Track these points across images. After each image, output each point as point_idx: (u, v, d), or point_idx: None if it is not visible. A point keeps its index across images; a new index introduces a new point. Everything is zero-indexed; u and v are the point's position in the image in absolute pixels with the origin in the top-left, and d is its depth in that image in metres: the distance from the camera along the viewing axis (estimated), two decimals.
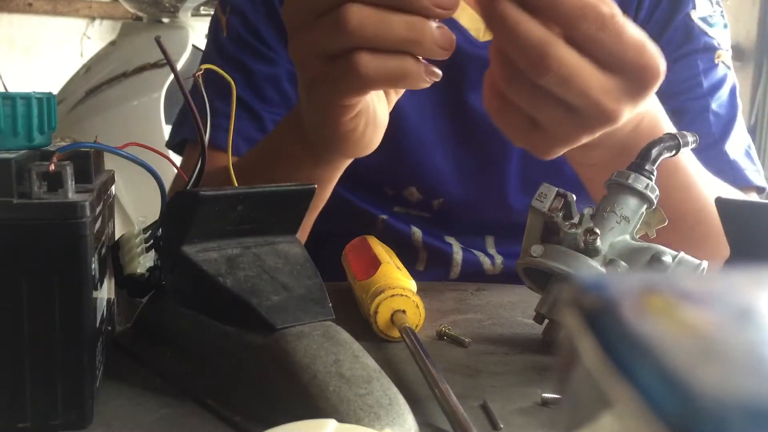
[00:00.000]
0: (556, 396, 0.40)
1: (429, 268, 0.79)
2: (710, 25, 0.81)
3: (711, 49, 0.80)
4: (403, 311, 0.49)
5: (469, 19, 0.79)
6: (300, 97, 0.55)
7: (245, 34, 0.80)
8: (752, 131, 3.16)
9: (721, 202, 0.48)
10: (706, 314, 0.13)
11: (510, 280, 0.79)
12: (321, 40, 0.46)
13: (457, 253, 0.79)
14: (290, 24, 0.48)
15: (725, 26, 0.84)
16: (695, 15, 0.80)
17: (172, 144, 0.82)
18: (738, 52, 3.18)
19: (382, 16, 0.43)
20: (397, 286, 0.49)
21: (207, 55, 0.84)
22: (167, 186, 0.46)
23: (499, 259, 0.80)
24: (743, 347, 0.12)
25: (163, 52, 0.42)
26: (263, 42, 0.79)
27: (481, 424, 0.38)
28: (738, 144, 0.80)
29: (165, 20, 2.25)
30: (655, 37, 0.80)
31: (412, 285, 0.51)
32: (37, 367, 0.35)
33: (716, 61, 0.81)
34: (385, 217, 0.79)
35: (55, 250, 0.34)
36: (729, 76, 0.81)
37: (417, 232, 0.79)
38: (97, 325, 0.38)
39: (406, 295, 0.49)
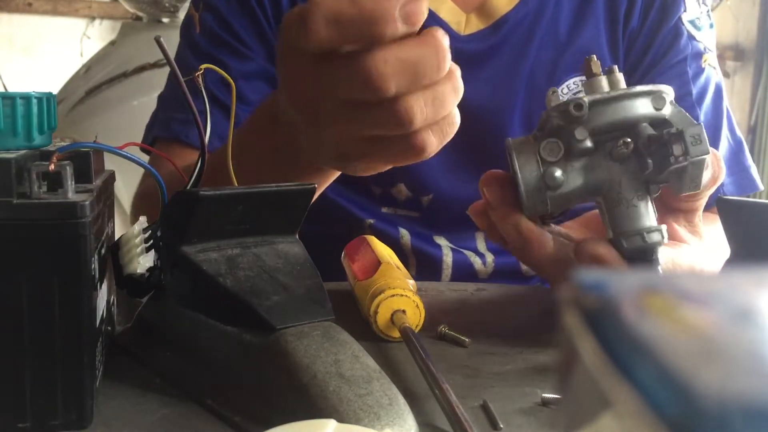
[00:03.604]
0: (556, 396, 0.40)
1: (419, 273, 0.78)
2: (698, 28, 0.81)
3: (698, 55, 0.81)
4: (403, 311, 0.49)
5: (450, 12, 0.78)
6: (304, 135, 0.50)
7: (219, 31, 0.78)
8: (752, 131, 3.16)
9: (721, 202, 0.48)
10: (706, 314, 0.13)
11: (502, 280, 0.78)
12: (371, 128, 0.44)
13: (447, 255, 0.78)
14: (323, 107, 0.44)
15: (711, 26, 0.84)
16: (685, 18, 0.80)
17: (149, 144, 0.78)
18: (738, 52, 3.19)
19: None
20: (397, 286, 0.49)
21: (180, 54, 0.81)
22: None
23: (489, 257, 0.79)
24: (743, 347, 0.12)
25: (163, 52, 0.42)
26: (238, 38, 0.78)
27: (481, 424, 0.38)
28: (722, 152, 0.80)
29: (165, 20, 2.25)
30: (648, 43, 0.80)
31: (412, 285, 0.51)
32: (37, 367, 0.35)
33: (703, 66, 0.81)
34: (372, 221, 0.78)
35: (55, 250, 0.34)
36: (713, 78, 0.82)
37: (405, 234, 0.78)
38: (97, 325, 0.38)
39: (406, 295, 0.49)
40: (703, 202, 0.55)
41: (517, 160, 0.47)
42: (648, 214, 0.47)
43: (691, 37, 0.80)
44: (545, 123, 0.48)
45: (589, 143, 0.46)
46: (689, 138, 0.44)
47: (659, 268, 0.47)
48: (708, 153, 0.45)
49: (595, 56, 0.49)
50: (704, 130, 0.45)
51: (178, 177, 0.45)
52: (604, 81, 0.48)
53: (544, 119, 0.48)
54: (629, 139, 0.46)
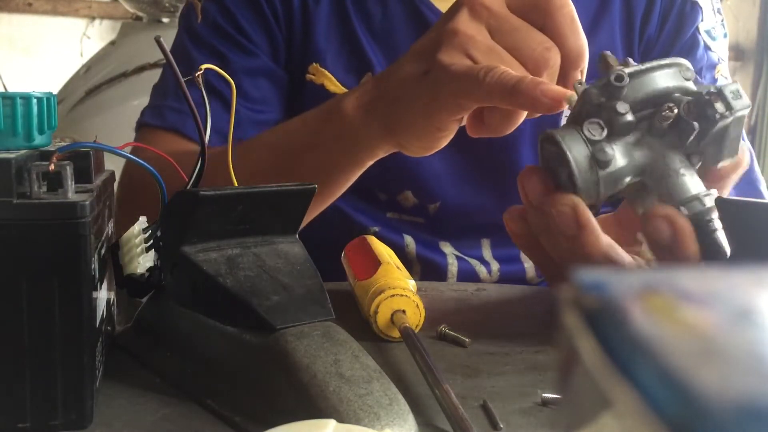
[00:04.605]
0: (556, 396, 0.40)
1: (423, 281, 0.78)
2: (713, 38, 0.80)
3: (712, 66, 0.80)
4: (403, 311, 0.49)
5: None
6: (391, 84, 0.57)
7: (223, 23, 0.76)
8: (752, 131, 3.16)
9: (721, 202, 0.48)
10: (706, 314, 0.13)
11: None
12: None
13: (452, 264, 0.78)
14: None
15: (725, 35, 0.83)
16: (702, 27, 0.79)
17: (136, 131, 0.77)
18: (738, 52, 3.19)
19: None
20: (397, 286, 0.49)
21: (178, 45, 0.79)
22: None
23: (495, 266, 0.79)
24: (743, 347, 0.12)
25: (163, 52, 0.42)
26: (242, 32, 0.76)
27: (481, 424, 0.38)
28: None
29: (165, 20, 2.25)
30: (665, 52, 0.80)
31: (412, 285, 0.51)
32: (37, 367, 0.35)
33: (716, 76, 0.80)
34: (377, 229, 0.78)
35: (55, 250, 0.34)
36: (744, 99, 0.81)
37: (411, 243, 0.77)
38: (97, 325, 0.38)
39: (406, 295, 0.49)
40: (725, 192, 0.54)
41: (564, 142, 0.46)
42: (697, 181, 0.47)
43: (707, 48, 0.80)
44: (581, 107, 0.48)
45: (630, 117, 0.46)
46: (729, 94, 0.45)
47: (720, 236, 0.46)
48: (750, 105, 0.46)
49: (609, 52, 0.49)
50: (733, 83, 0.46)
51: (162, 163, 0.44)
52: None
53: (578, 105, 0.48)
54: (672, 104, 0.46)
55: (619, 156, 0.47)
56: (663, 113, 0.46)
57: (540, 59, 0.51)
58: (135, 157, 0.42)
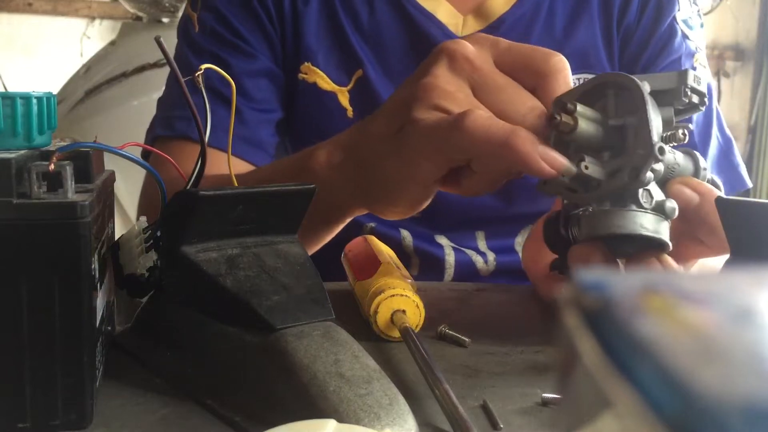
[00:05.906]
0: (556, 396, 0.40)
1: (422, 273, 0.78)
2: (690, 27, 0.82)
3: (691, 55, 0.81)
4: (403, 311, 0.49)
5: (447, 14, 0.78)
6: (369, 149, 0.52)
7: (220, 29, 0.77)
8: (752, 131, 3.16)
9: (721, 202, 0.48)
10: (706, 314, 0.13)
11: (504, 278, 0.79)
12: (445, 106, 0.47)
13: (449, 255, 0.78)
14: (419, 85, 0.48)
15: (701, 26, 0.85)
16: (679, 17, 0.81)
17: (149, 145, 0.77)
18: (738, 52, 3.19)
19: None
20: (397, 286, 0.49)
21: (178, 55, 0.80)
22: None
23: (491, 256, 0.79)
24: (743, 347, 0.12)
25: (163, 52, 0.42)
26: (240, 37, 0.77)
27: (481, 424, 0.38)
28: (712, 150, 0.82)
29: (165, 20, 2.25)
30: (645, 41, 0.81)
31: (411, 285, 0.51)
32: (37, 367, 0.35)
33: (695, 65, 0.82)
34: (373, 224, 0.78)
35: (55, 250, 0.34)
36: (704, 78, 0.82)
37: (407, 236, 0.78)
38: (97, 325, 0.38)
39: (406, 295, 0.49)
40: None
41: (647, 230, 0.45)
42: (685, 159, 0.49)
43: (685, 36, 0.81)
44: (625, 186, 0.45)
45: (663, 166, 0.46)
46: (696, 83, 0.46)
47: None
48: (708, 80, 0.48)
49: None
50: (690, 69, 0.47)
51: (181, 182, 0.45)
52: (587, 122, 0.46)
53: (619, 185, 0.45)
54: (683, 130, 0.46)
55: (658, 193, 0.47)
56: (685, 139, 0.47)
57: (529, 126, 0.45)
58: (134, 156, 0.42)
